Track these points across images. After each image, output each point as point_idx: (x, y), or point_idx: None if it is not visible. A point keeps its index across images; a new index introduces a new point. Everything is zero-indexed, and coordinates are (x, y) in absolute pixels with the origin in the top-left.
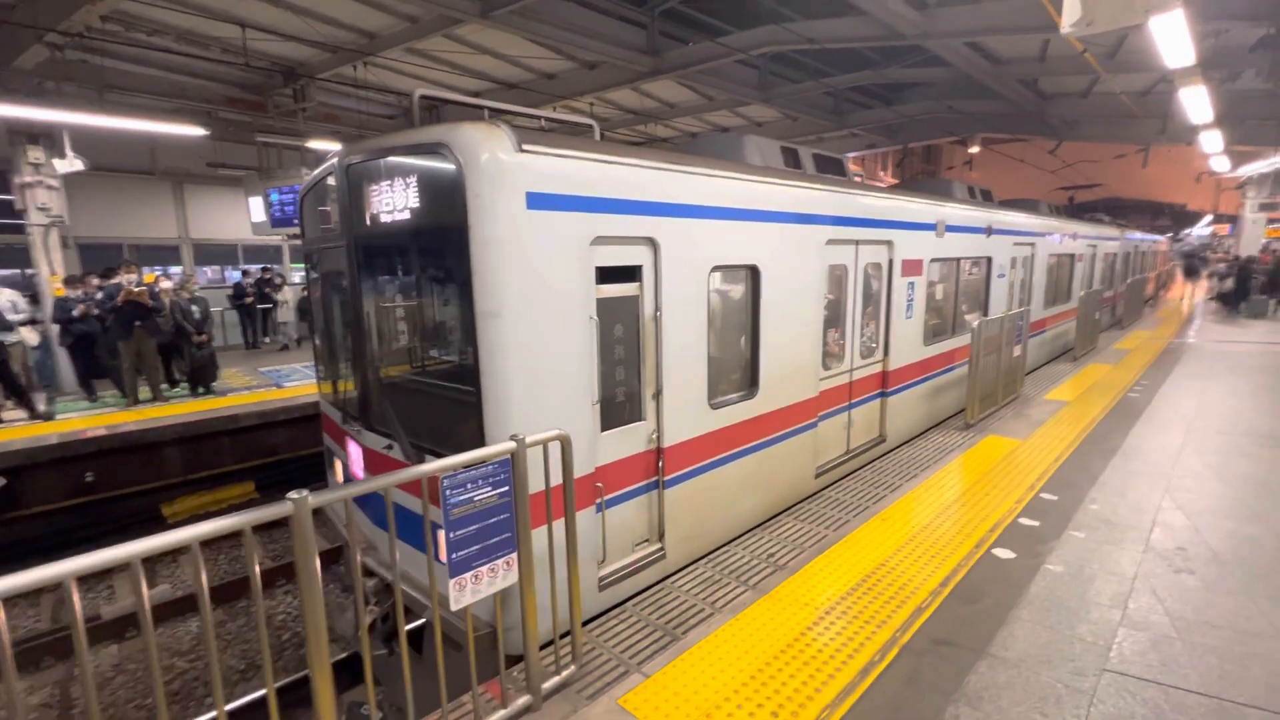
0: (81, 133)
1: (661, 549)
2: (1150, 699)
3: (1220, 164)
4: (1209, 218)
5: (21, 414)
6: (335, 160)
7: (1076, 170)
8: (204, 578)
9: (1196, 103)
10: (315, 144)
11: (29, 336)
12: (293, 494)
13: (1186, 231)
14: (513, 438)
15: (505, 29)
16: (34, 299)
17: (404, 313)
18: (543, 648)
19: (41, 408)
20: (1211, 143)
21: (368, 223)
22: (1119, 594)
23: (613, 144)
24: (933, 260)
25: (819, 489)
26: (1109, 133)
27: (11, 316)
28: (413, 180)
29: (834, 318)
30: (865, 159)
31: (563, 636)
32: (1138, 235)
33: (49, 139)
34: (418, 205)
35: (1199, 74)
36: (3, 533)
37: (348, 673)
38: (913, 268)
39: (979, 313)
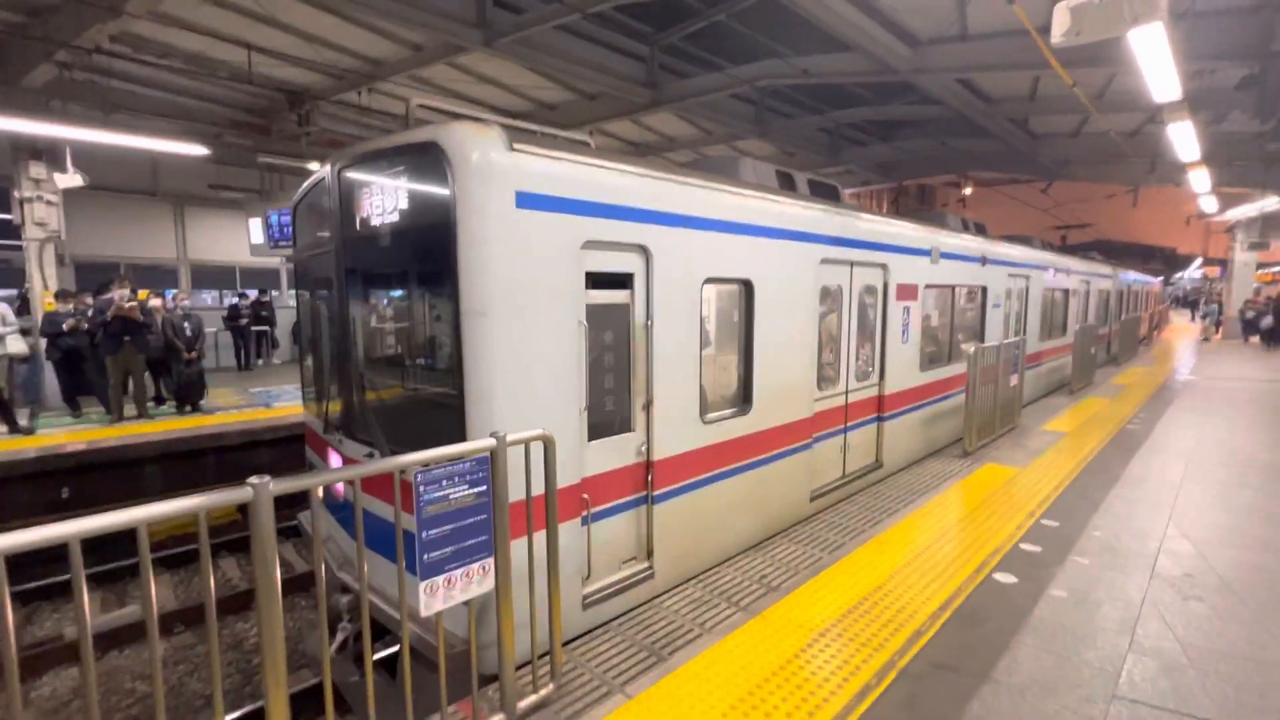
0: (84, 151)
1: (650, 568)
2: None
3: (1209, 204)
4: (1199, 261)
5: (1, 428)
6: (328, 165)
7: (1068, 209)
8: (148, 560)
9: (1184, 139)
10: (316, 167)
11: (15, 346)
12: (253, 479)
13: (1178, 275)
14: (493, 434)
15: (507, 58)
16: (22, 309)
17: (390, 316)
18: (520, 668)
19: (23, 423)
20: (1200, 181)
21: (357, 226)
22: (1126, 620)
23: (606, 150)
24: (928, 286)
25: (814, 513)
26: (1099, 172)
27: (1, 330)
28: (403, 180)
29: (829, 338)
30: (860, 196)
31: (542, 656)
32: (1131, 275)
33: (52, 155)
34: (407, 206)
35: (1186, 109)
36: None
37: (319, 700)
38: (908, 292)
39: (975, 342)
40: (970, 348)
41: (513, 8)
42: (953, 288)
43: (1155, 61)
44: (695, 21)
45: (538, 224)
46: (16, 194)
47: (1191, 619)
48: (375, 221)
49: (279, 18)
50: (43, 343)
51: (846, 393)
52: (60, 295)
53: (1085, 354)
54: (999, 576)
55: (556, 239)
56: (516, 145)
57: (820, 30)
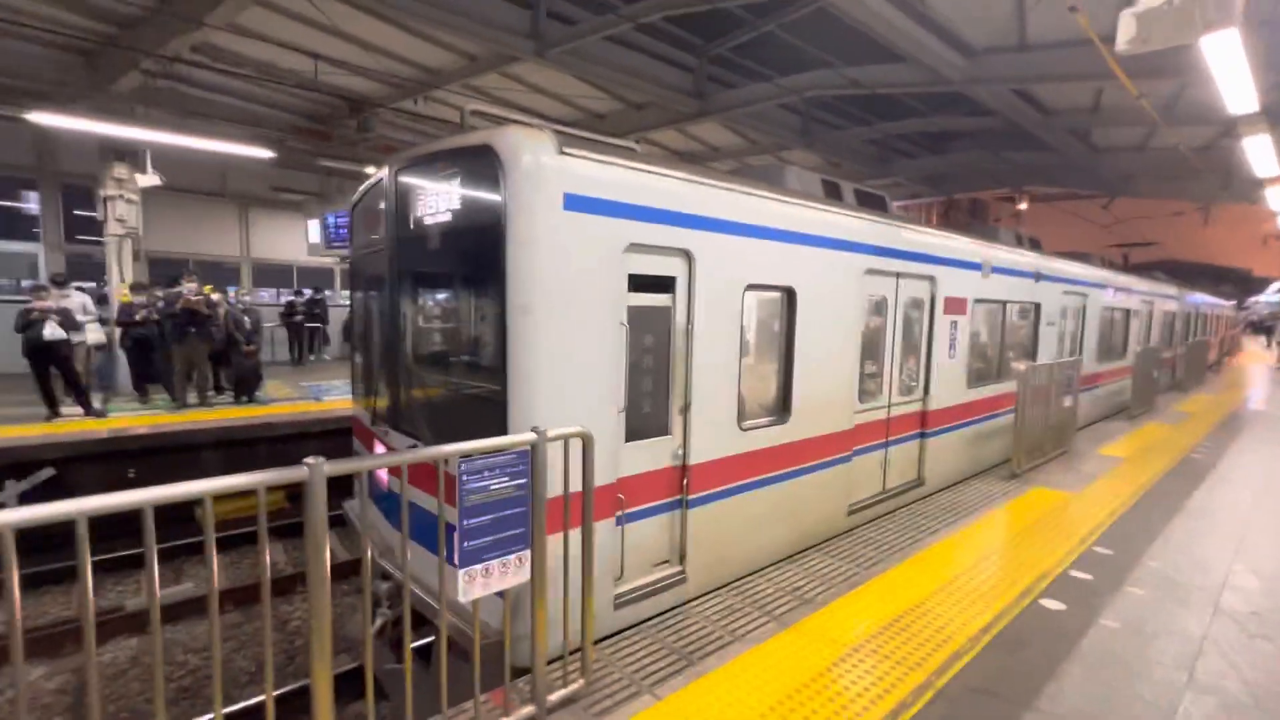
0: (162, 154)
1: (682, 572)
2: None
3: None
4: (1278, 284)
5: (78, 410)
6: (386, 168)
7: (1131, 227)
8: (211, 526)
9: (1262, 154)
10: (373, 170)
11: (94, 335)
12: (309, 459)
13: (1253, 299)
14: (533, 429)
15: (558, 68)
16: (102, 300)
17: (439, 313)
18: (551, 662)
19: (97, 406)
20: (1279, 199)
21: (411, 225)
22: (1184, 655)
23: (652, 155)
24: (977, 300)
25: (851, 527)
26: (1167, 189)
27: (81, 318)
28: (456, 181)
29: (872, 350)
30: (909, 209)
31: (573, 653)
32: (1199, 297)
33: (134, 157)
34: (460, 205)
35: (1264, 122)
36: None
37: (357, 684)
38: (956, 306)
39: (1026, 360)
40: (1021, 366)
41: (565, 19)
42: (1004, 303)
43: (1230, 71)
44: (744, 32)
45: (584, 226)
46: (101, 192)
47: (1258, 658)
48: (429, 221)
49: (344, 28)
50: (117, 332)
51: (889, 406)
52: (135, 288)
53: (1146, 377)
54: (1046, 602)
55: (602, 241)
56: (566, 149)
57: (871, 40)
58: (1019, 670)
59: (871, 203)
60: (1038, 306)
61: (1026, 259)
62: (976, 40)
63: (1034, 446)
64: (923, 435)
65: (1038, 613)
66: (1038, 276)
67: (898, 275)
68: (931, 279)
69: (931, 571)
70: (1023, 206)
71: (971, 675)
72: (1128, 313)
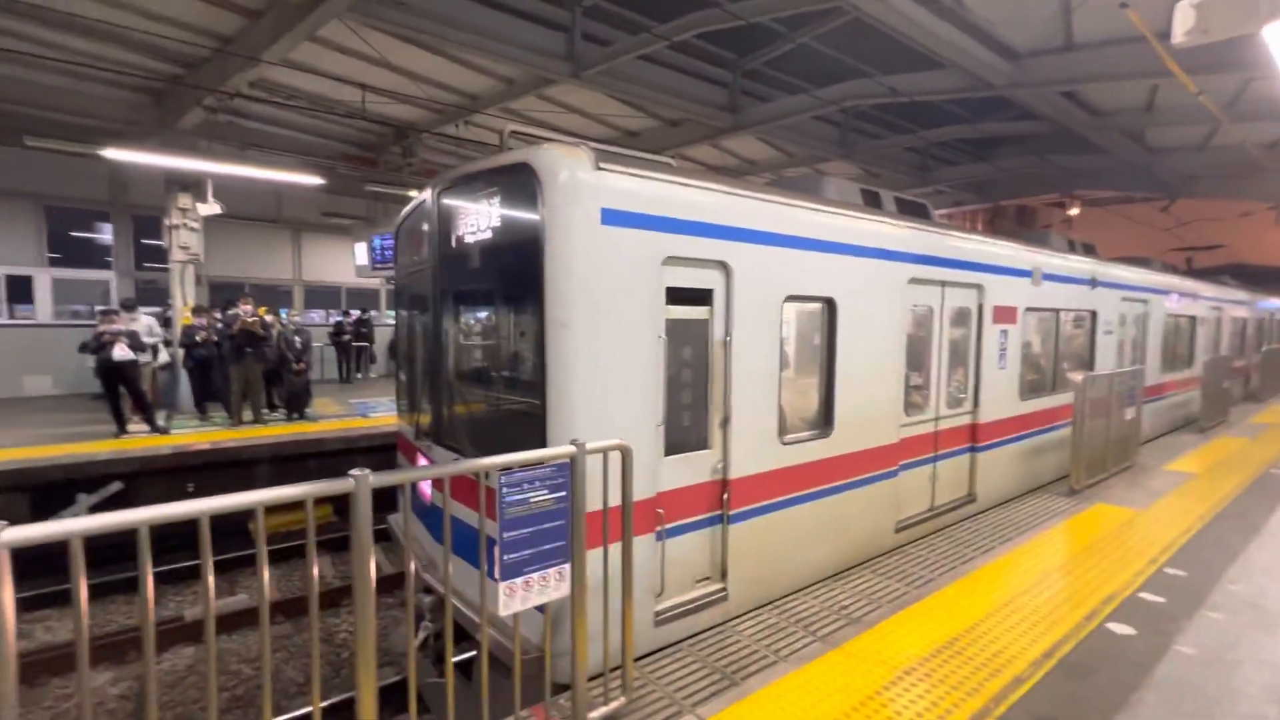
0: (222, 184)
1: (724, 589)
2: None
3: None
4: None
5: (144, 428)
6: (429, 189)
7: (1194, 230)
8: (263, 536)
9: None
10: (416, 193)
11: (159, 356)
12: (354, 471)
13: None
14: (573, 442)
15: (593, 88)
16: (166, 323)
17: (481, 329)
18: (591, 679)
19: (161, 423)
20: None
21: (453, 244)
22: (1274, 686)
23: (688, 168)
24: (1028, 309)
25: (899, 545)
26: (1232, 189)
27: (147, 340)
28: (496, 199)
29: (917, 361)
30: (953, 217)
31: (613, 670)
32: (1275, 302)
33: (196, 187)
34: (499, 223)
35: None
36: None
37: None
38: (1006, 315)
39: (1084, 371)
40: (1078, 376)
41: (599, 40)
42: (1057, 311)
43: None
44: (778, 46)
45: (621, 240)
46: (167, 221)
47: None
48: (470, 239)
49: (390, 59)
50: (180, 353)
51: (936, 419)
52: (196, 311)
53: (1217, 388)
54: (1114, 626)
55: (639, 254)
56: (602, 165)
57: (908, 48)
58: (1087, 699)
59: (913, 211)
60: (1094, 314)
61: (1080, 265)
62: (1020, 43)
63: (1094, 461)
64: (973, 449)
65: (1105, 637)
66: (1093, 283)
67: (943, 284)
68: (979, 287)
69: (986, 592)
70: (1074, 212)
71: (1035, 703)
72: (1193, 320)
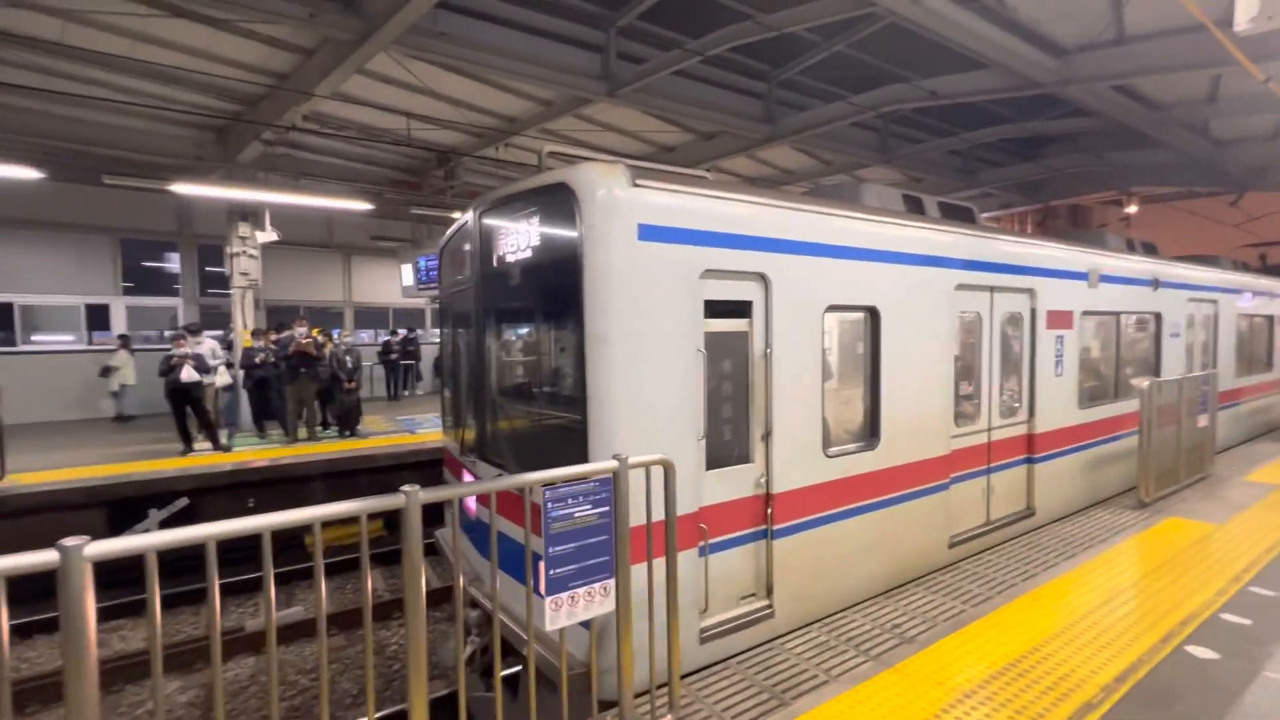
0: (279, 212)
1: (769, 606)
2: None
3: None
4: None
5: (208, 445)
6: (471, 211)
7: (1267, 224)
8: (320, 550)
9: None
10: (459, 215)
11: (222, 377)
12: (405, 488)
13: None
14: (615, 457)
15: (629, 106)
16: (228, 346)
17: (522, 345)
18: (638, 696)
19: (223, 441)
20: None
21: (495, 263)
22: None
23: (724, 181)
24: (1085, 313)
25: (953, 561)
26: None
27: (211, 362)
28: (535, 218)
29: (967, 370)
30: (1000, 220)
31: (660, 687)
32: None
33: (255, 216)
34: (539, 241)
35: None
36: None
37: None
38: (1060, 319)
39: (1149, 376)
40: (1144, 383)
41: (633, 58)
42: (1117, 315)
43: None
44: (813, 54)
45: (659, 255)
46: (228, 250)
47: None
48: (511, 258)
49: (433, 87)
50: (240, 374)
51: (989, 430)
52: (256, 333)
53: None
54: (1193, 650)
55: (676, 268)
56: (639, 181)
57: (949, 49)
58: None
59: (957, 215)
60: (1158, 316)
61: (1140, 265)
62: (1067, 38)
63: (1165, 472)
64: (1030, 460)
65: (1184, 661)
66: (1155, 284)
67: (991, 289)
68: (1030, 292)
69: (1051, 611)
70: (1132, 209)
71: None
72: (1270, 319)
